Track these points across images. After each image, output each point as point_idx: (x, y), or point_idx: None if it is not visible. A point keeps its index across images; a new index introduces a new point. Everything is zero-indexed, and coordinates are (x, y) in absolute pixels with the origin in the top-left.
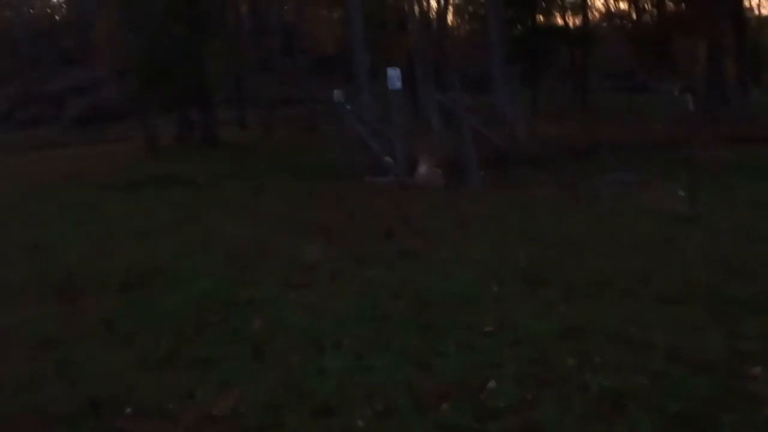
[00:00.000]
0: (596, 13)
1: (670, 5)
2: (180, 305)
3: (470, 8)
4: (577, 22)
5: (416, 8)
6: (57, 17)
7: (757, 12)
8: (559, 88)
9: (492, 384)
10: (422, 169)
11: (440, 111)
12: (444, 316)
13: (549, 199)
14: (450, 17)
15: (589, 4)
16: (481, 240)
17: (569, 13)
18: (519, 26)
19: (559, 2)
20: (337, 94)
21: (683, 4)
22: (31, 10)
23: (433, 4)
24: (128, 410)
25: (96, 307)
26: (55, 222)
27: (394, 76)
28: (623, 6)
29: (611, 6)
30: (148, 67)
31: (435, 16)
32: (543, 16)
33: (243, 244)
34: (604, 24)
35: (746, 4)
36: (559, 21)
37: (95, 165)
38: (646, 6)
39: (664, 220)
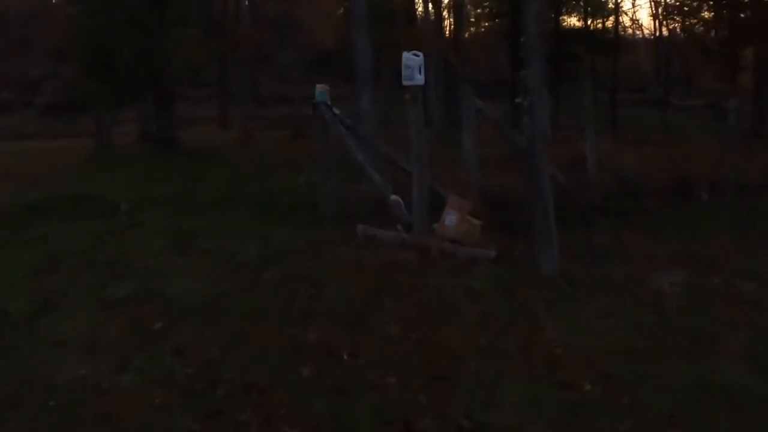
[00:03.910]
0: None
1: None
2: None
3: (488, 3)
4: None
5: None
6: None
7: None
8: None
9: None
10: (450, 218)
11: (473, 126)
12: None
13: (698, 300)
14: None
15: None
16: None
17: (593, 17)
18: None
19: (582, 4)
20: (319, 90)
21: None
22: None
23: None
24: None
25: None
26: None
27: (413, 64)
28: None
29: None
30: (92, 49)
31: (450, 9)
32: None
33: None
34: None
35: None
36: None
37: (16, 170)
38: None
39: None
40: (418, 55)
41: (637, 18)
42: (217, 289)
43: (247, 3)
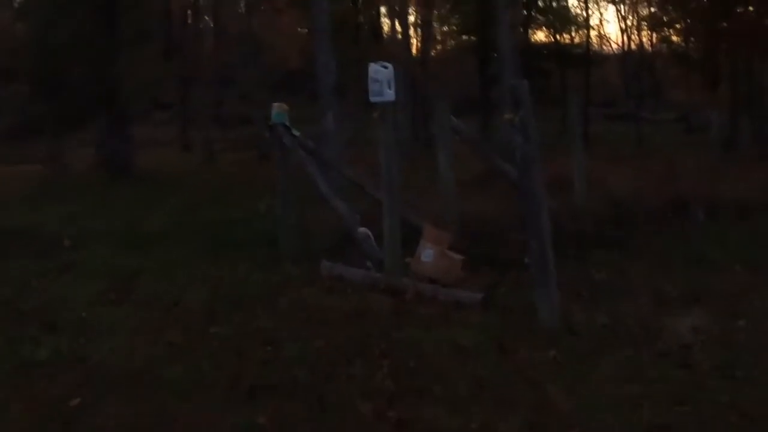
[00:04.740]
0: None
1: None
2: None
3: (455, 20)
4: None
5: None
6: None
7: None
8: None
9: None
10: (427, 252)
11: (449, 146)
12: None
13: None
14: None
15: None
16: None
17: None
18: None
19: (551, 18)
20: (276, 110)
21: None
22: None
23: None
24: None
25: None
26: None
27: (382, 77)
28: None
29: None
30: (41, 68)
31: (416, 27)
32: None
33: None
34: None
35: None
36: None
37: None
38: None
39: None
40: (386, 67)
41: (605, 33)
42: (151, 350)
43: (209, 21)
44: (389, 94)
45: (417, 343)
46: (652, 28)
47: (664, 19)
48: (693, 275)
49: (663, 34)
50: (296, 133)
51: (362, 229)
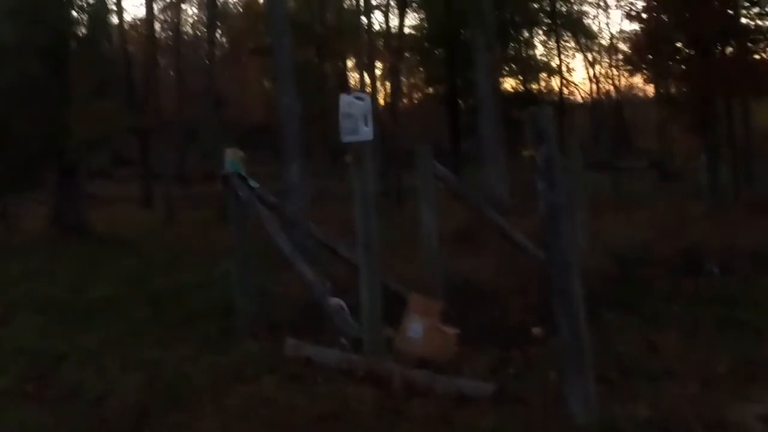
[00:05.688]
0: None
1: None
2: None
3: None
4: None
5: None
6: None
7: None
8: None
9: None
10: (415, 327)
11: (433, 196)
12: None
13: None
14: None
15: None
16: None
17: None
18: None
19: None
20: (230, 157)
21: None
22: None
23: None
24: None
25: None
26: None
27: (357, 112)
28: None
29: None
30: None
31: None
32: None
33: None
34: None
35: None
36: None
37: None
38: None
39: None
40: (362, 99)
41: (572, 81)
42: None
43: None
44: (366, 132)
45: None
46: (645, 70)
47: (649, 57)
48: (734, 345)
49: (644, 75)
50: (254, 184)
51: (335, 300)
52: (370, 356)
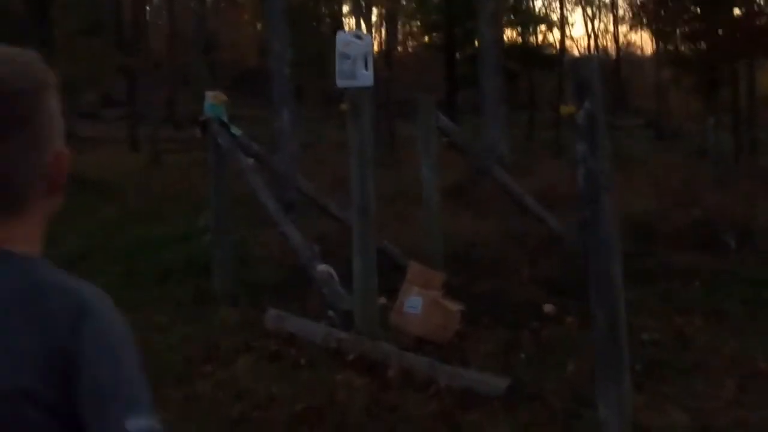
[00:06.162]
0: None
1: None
2: None
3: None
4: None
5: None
6: None
7: None
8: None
9: None
10: (414, 301)
11: (434, 149)
12: None
13: None
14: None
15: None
16: None
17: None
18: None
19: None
20: (210, 101)
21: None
22: None
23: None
24: None
25: None
26: None
27: (355, 52)
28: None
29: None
30: None
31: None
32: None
33: None
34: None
35: None
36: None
37: None
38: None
39: None
40: (362, 38)
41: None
42: None
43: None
44: (365, 77)
45: None
46: (654, 25)
47: (662, 12)
48: None
49: (650, 31)
50: (236, 132)
51: (323, 267)
52: (362, 335)
